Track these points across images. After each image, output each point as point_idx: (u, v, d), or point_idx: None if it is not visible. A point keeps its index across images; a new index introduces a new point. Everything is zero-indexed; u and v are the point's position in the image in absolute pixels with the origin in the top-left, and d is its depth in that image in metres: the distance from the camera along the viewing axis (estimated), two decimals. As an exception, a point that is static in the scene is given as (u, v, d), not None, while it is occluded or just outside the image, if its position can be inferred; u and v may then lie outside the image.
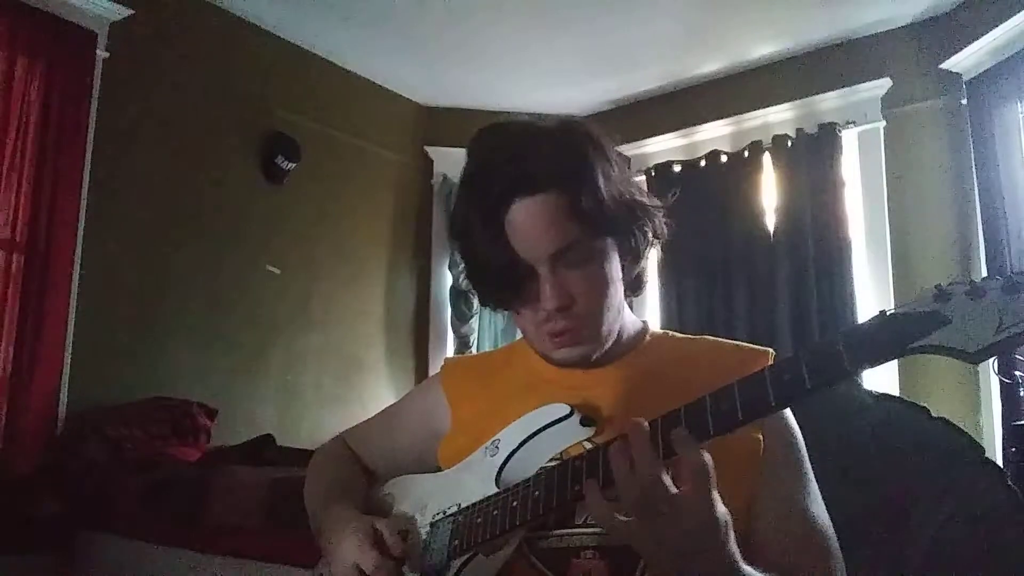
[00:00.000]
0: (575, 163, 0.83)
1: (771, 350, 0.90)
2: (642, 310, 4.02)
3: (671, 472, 0.66)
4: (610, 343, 0.89)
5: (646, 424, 0.68)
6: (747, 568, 0.68)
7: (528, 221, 0.82)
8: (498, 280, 0.87)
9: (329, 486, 1.01)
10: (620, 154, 0.92)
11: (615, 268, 0.87)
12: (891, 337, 0.61)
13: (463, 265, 0.92)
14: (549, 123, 0.89)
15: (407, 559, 0.83)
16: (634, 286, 0.94)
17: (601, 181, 0.83)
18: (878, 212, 3.52)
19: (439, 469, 0.95)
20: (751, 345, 0.93)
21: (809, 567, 0.79)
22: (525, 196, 0.82)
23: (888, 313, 0.62)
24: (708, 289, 3.89)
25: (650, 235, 0.89)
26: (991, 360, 2.89)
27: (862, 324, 0.63)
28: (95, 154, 2.84)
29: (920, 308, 0.60)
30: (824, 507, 0.83)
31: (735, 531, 0.80)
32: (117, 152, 2.94)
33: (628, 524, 0.66)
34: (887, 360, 0.62)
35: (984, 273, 3.04)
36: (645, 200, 0.89)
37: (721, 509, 0.65)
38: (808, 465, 0.85)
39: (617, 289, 0.88)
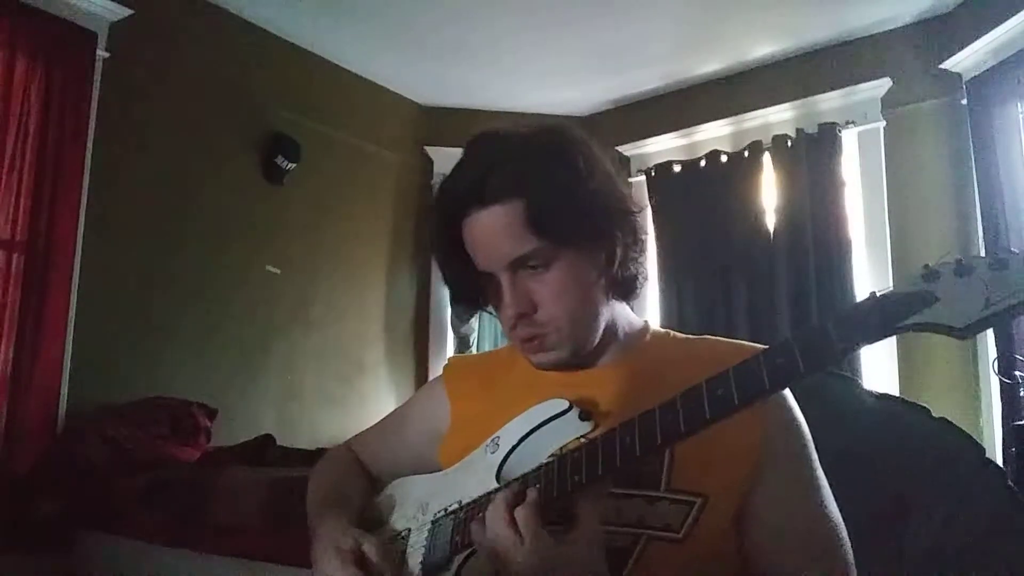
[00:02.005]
0: (533, 173, 0.83)
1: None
2: (642, 310, 4.03)
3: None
4: (588, 347, 0.89)
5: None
6: None
7: (481, 234, 0.85)
8: (465, 288, 0.92)
9: (327, 492, 1.01)
10: (605, 157, 0.91)
11: (585, 274, 0.86)
12: (880, 316, 0.62)
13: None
14: (526, 130, 0.89)
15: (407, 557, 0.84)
16: (624, 291, 0.92)
17: (561, 190, 0.83)
18: (878, 212, 3.52)
19: (441, 469, 0.96)
20: (752, 344, 0.93)
21: (817, 556, 0.79)
22: (479, 209, 0.84)
23: (878, 294, 0.63)
24: (708, 289, 3.89)
25: (624, 240, 0.88)
26: (991, 360, 2.90)
27: (853, 305, 0.65)
28: (95, 154, 2.84)
29: (909, 287, 0.62)
30: (831, 496, 0.84)
31: (729, 523, 0.80)
32: (117, 152, 2.94)
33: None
34: (877, 339, 0.63)
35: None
36: (623, 205, 0.88)
37: (540, 547, 0.70)
38: (815, 460, 0.85)
39: (589, 295, 0.87)
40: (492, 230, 0.84)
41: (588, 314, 0.88)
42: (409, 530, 0.90)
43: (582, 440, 0.81)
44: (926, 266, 0.61)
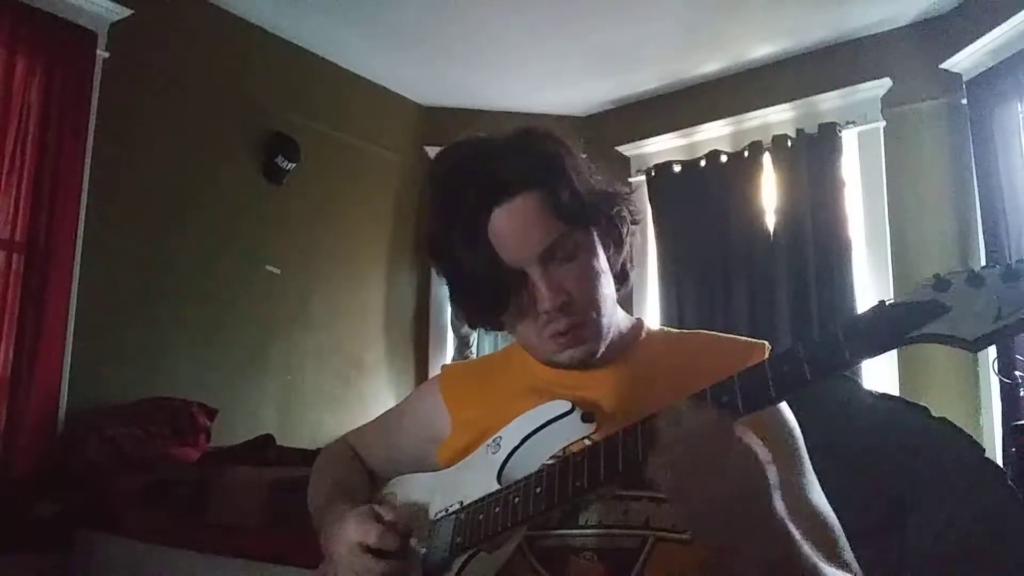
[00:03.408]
0: (543, 161, 0.85)
1: (766, 343, 0.90)
2: (642, 310, 4.03)
3: None
4: (611, 337, 0.89)
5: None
6: (800, 538, 0.66)
7: (511, 225, 0.83)
8: (489, 294, 0.86)
9: (332, 487, 1.01)
10: (582, 149, 0.93)
11: (602, 259, 0.88)
12: (890, 327, 0.61)
13: (448, 288, 0.91)
14: (507, 132, 0.90)
15: (413, 537, 0.84)
16: (620, 277, 0.94)
17: (573, 174, 0.85)
18: (878, 212, 3.52)
19: (441, 469, 0.95)
20: (748, 339, 0.93)
21: (820, 553, 0.80)
22: (502, 202, 0.83)
23: (887, 303, 0.62)
24: (708, 289, 3.89)
25: (628, 220, 0.91)
26: (991, 360, 2.90)
27: (861, 314, 0.63)
28: (95, 154, 2.84)
29: (919, 297, 0.60)
30: (824, 495, 0.84)
31: None
32: (117, 152, 2.94)
33: (678, 482, 0.65)
34: (887, 350, 0.61)
35: (984, 273, 3.04)
36: (615, 188, 0.91)
37: (773, 470, 0.65)
38: (806, 455, 0.86)
39: (608, 280, 0.89)
40: (520, 221, 0.83)
41: (611, 300, 0.89)
42: (410, 529, 0.89)
43: (585, 442, 0.81)
44: (937, 275, 0.60)
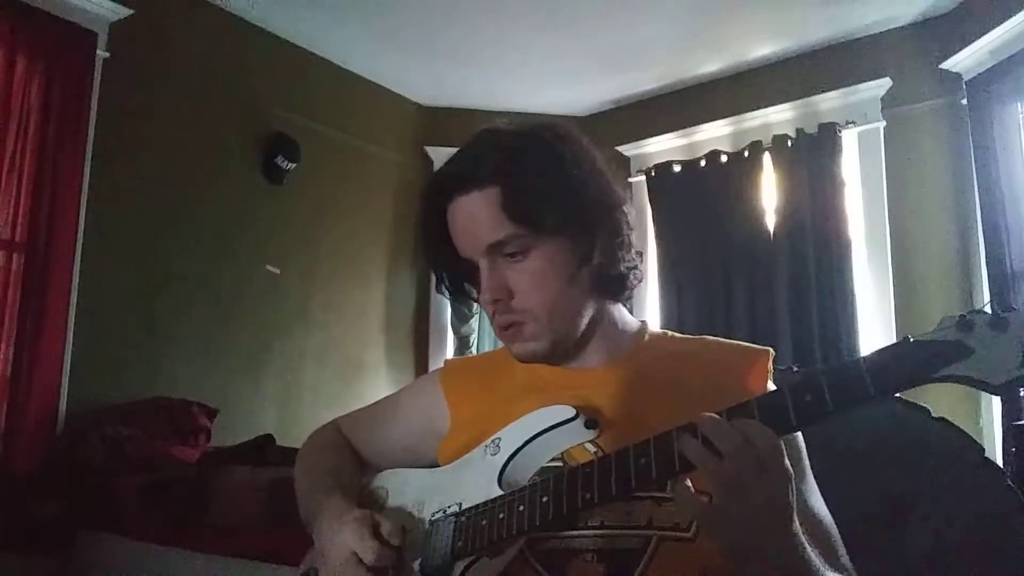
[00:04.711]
0: (514, 161, 0.85)
1: (771, 350, 0.90)
2: (642, 310, 4.02)
3: None
4: (569, 342, 0.89)
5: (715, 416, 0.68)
6: (808, 545, 0.69)
7: (463, 216, 0.86)
8: (448, 274, 0.94)
9: (323, 475, 1.00)
10: (598, 155, 0.91)
11: (564, 266, 0.86)
12: (915, 365, 0.62)
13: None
14: (520, 125, 0.91)
15: (406, 552, 0.83)
16: (612, 289, 0.91)
17: (539, 178, 0.84)
18: (878, 212, 3.52)
19: (435, 465, 0.95)
20: (751, 344, 0.93)
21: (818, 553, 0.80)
22: (463, 193, 0.86)
23: (912, 340, 0.63)
24: (708, 289, 3.89)
25: (605, 234, 0.87)
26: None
27: (886, 349, 0.63)
28: (95, 154, 2.84)
29: (943, 337, 0.61)
30: (823, 502, 0.84)
31: None
32: (117, 152, 2.94)
33: (717, 497, 0.66)
34: (910, 387, 0.62)
35: (984, 274, 3.04)
36: (606, 199, 0.88)
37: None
38: (807, 460, 0.86)
39: (567, 287, 0.86)
40: (470, 215, 0.85)
41: (567, 307, 0.87)
42: (408, 527, 0.89)
43: (587, 446, 0.81)
44: (962, 316, 0.61)
